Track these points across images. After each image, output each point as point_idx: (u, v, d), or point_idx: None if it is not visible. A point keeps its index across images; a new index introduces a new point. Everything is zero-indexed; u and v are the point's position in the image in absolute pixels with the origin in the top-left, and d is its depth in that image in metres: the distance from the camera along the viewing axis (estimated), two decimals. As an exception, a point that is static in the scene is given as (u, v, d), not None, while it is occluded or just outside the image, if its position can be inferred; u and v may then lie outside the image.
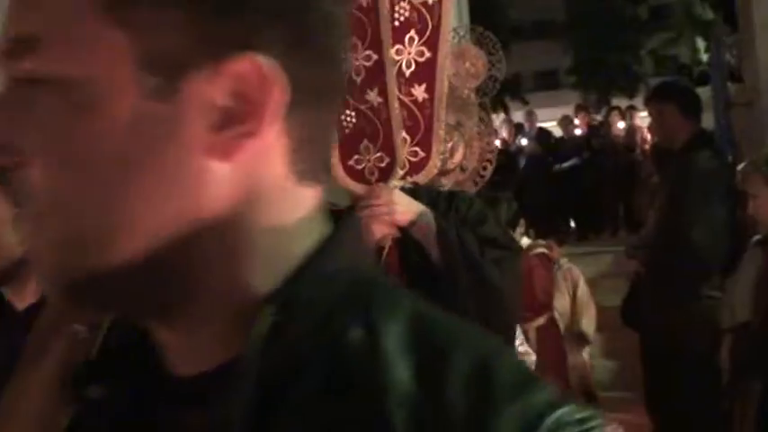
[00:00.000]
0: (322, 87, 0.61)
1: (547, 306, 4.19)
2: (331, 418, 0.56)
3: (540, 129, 12.45)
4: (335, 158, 2.31)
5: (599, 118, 12.96)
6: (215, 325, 0.60)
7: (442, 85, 2.39)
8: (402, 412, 0.55)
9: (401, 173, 2.36)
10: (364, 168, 2.34)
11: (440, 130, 2.38)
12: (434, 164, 2.41)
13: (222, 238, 0.59)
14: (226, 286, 0.60)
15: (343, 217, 0.66)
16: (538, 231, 5.58)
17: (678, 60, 24.70)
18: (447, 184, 2.76)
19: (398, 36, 2.34)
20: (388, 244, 2.31)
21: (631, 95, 19.98)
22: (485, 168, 3.05)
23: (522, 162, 11.67)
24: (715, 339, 3.74)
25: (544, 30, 28.54)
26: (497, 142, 11.32)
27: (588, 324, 5.50)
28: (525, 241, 4.77)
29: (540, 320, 4.08)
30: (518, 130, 12.47)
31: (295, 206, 0.62)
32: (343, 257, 0.62)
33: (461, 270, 2.27)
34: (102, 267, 0.58)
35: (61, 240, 0.58)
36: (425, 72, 2.37)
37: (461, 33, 3.09)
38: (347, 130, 2.32)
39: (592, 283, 5.97)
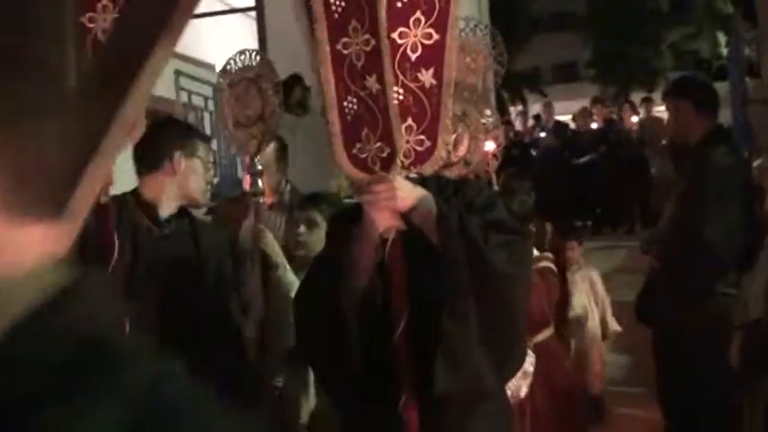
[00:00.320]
0: None
1: (544, 323, 4.16)
2: None
3: (557, 122, 12.38)
4: (339, 146, 2.23)
5: (615, 112, 12.86)
6: None
7: (451, 70, 2.23)
8: None
9: (406, 162, 2.25)
10: (367, 158, 2.22)
11: (447, 119, 2.25)
12: (440, 154, 2.28)
13: None
14: None
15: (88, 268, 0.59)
16: (554, 226, 5.52)
17: (698, 55, 24.51)
18: (450, 177, 2.63)
19: (402, 18, 2.19)
20: (391, 236, 2.24)
21: (650, 89, 19.84)
22: (488, 164, 2.97)
23: (538, 154, 11.62)
24: (728, 336, 3.69)
25: (564, 22, 28.42)
26: (511, 134, 11.31)
27: (612, 319, 5.46)
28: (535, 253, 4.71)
29: (539, 337, 4.06)
30: (536, 121, 12.40)
31: (5, 251, 0.55)
32: (78, 313, 0.56)
33: (460, 254, 2.19)
34: None
35: None
36: (433, 56, 2.22)
37: (463, 26, 2.97)
38: (349, 117, 2.21)
39: (606, 278, 5.93)
